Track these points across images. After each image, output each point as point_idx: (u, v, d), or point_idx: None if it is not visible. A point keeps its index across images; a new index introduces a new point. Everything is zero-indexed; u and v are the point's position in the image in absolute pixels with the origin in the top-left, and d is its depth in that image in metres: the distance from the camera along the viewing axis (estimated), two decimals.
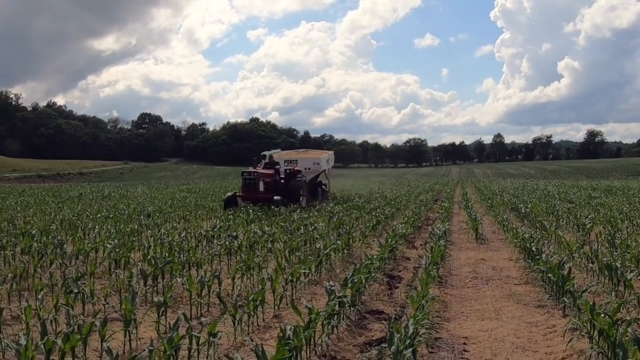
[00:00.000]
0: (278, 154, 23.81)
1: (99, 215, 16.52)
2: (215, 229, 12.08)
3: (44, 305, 5.58)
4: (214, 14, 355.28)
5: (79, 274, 7.15)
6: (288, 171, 21.46)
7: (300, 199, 21.01)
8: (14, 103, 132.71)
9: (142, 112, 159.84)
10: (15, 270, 7.16)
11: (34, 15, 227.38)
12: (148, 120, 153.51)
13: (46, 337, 4.32)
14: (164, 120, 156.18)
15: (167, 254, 8.67)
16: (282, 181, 20.96)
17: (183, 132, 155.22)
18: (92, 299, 6.10)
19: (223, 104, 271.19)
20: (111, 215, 16.28)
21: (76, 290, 6.05)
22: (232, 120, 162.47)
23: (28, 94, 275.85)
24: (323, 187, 25.20)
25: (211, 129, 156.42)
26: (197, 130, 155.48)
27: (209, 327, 4.74)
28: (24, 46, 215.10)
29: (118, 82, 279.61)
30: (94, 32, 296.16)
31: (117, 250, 8.82)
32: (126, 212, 17.80)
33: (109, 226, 13.37)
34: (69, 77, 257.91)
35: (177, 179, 68.43)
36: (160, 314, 5.49)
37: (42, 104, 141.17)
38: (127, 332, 5.10)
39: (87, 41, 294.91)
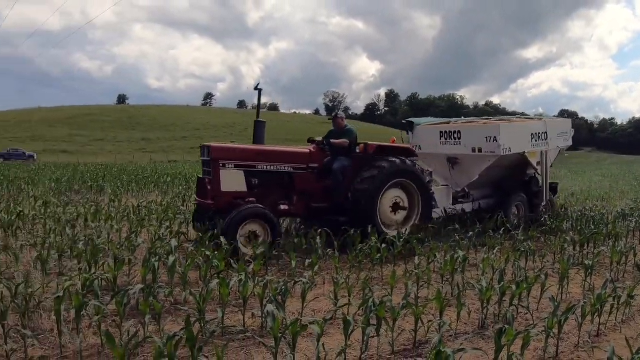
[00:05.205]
0: (431, 124, 11.71)
1: None
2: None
3: (498, 257, 7.28)
4: (620, 22, 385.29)
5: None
6: (358, 150, 8.96)
7: (380, 219, 8.59)
8: (459, 103, 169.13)
9: (562, 108, 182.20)
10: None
11: (475, 34, 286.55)
12: (566, 115, 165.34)
13: (502, 283, 5.27)
14: (579, 115, 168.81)
15: (592, 226, 9.64)
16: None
17: (595, 125, 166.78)
18: (534, 256, 7.52)
19: (629, 101, 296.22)
20: None
21: (522, 249, 7.50)
22: (637, 116, 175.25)
23: (470, 95, 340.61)
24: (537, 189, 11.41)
25: (619, 123, 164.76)
26: (607, 124, 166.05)
27: (628, 289, 5.35)
28: (468, 58, 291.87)
29: (542, 84, 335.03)
30: (522, 44, 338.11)
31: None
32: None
33: None
34: (502, 81, 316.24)
35: (590, 165, 68.38)
36: (586, 275, 6.28)
37: (481, 103, 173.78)
38: (560, 286, 5.95)
39: (517, 51, 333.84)
